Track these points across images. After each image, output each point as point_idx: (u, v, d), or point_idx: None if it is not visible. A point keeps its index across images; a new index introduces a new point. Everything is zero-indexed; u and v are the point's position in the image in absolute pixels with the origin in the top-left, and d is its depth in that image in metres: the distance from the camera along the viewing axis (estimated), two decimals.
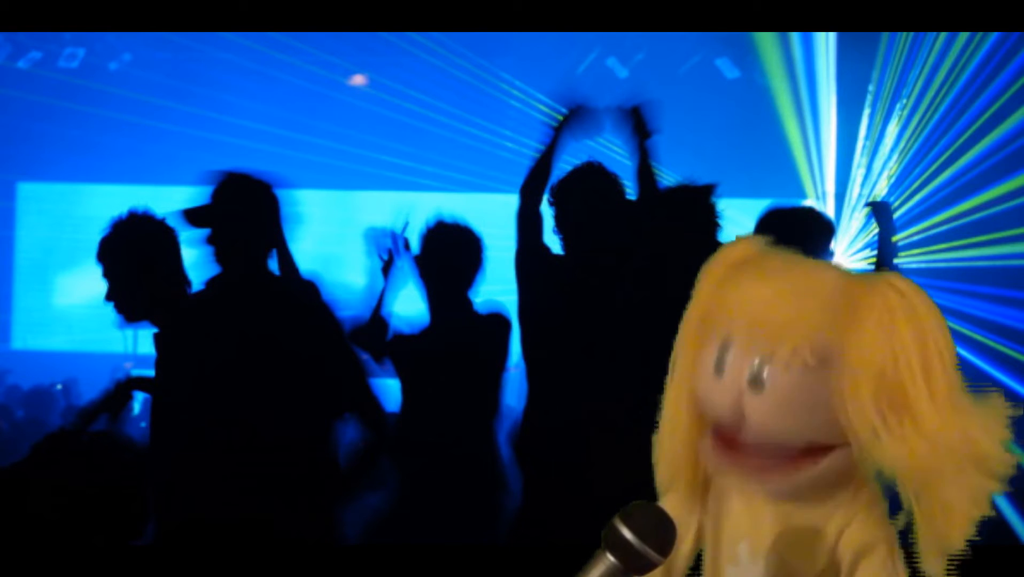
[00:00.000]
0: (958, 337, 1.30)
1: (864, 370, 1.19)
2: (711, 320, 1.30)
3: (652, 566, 1.14)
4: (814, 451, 1.25)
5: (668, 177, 3.63)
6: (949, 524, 1.20)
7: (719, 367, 1.26)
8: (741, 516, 1.33)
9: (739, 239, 1.35)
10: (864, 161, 8.63)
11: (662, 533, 1.14)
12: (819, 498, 1.27)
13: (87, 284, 3.47)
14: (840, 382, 1.20)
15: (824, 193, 8.83)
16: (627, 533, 1.13)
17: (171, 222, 3.07)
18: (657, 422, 1.37)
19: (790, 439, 1.24)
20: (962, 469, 1.18)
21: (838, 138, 8.78)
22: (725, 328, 1.26)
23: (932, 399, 1.18)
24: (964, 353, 7.18)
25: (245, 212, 3.03)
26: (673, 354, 1.35)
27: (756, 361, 1.23)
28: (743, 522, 1.32)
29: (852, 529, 1.27)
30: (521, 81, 8.95)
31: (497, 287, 3.60)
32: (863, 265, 7.45)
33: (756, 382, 1.23)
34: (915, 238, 8.02)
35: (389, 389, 3.37)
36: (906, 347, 1.18)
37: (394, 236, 3.68)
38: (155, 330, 3.06)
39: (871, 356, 1.19)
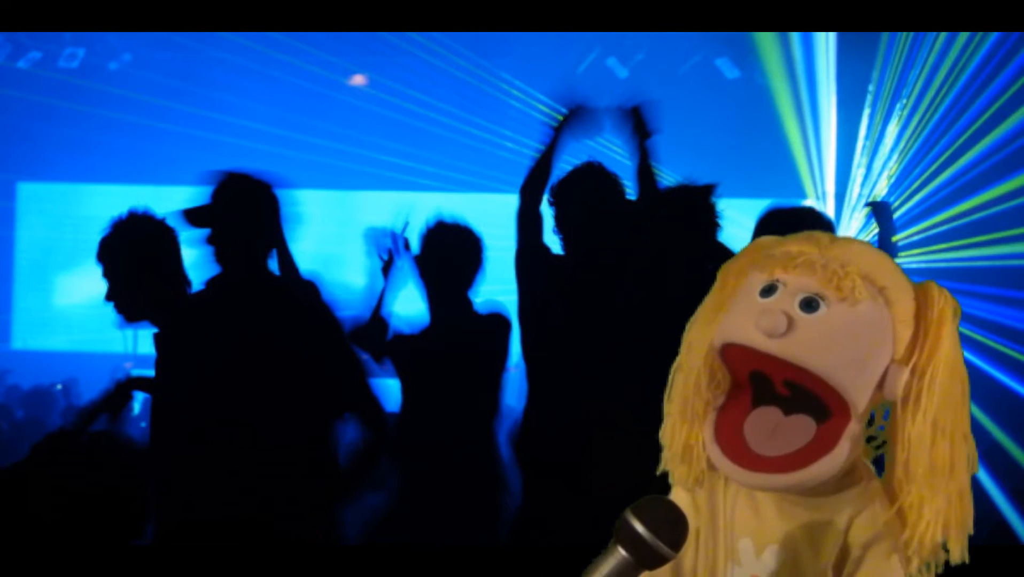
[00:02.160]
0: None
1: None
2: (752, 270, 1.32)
3: (664, 560, 1.13)
4: (819, 444, 1.25)
5: (668, 177, 3.63)
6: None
7: (767, 294, 1.27)
8: (743, 513, 1.32)
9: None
10: (864, 161, 8.62)
11: (674, 527, 1.14)
12: (827, 492, 1.28)
13: (87, 284, 3.47)
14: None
15: (824, 193, 8.82)
16: (639, 527, 1.12)
17: (171, 222, 3.07)
18: (658, 420, 1.36)
19: (827, 369, 1.24)
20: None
21: (838, 138, 8.77)
22: (777, 266, 1.28)
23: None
24: (964, 353, 7.18)
25: (245, 212, 3.03)
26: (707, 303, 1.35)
27: (809, 293, 1.25)
28: (746, 519, 1.32)
29: (861, 519, 1.27)
30: (521, 81, 8.93)
31: (497, 287, 3.60)
32: None
33: (811, 305, 1.25)
34: (915, 238, 8.01)
35: (389, 389, 3.37)
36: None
37: (394, 236, 3.67)
38: (155, 330, 3.06)
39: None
